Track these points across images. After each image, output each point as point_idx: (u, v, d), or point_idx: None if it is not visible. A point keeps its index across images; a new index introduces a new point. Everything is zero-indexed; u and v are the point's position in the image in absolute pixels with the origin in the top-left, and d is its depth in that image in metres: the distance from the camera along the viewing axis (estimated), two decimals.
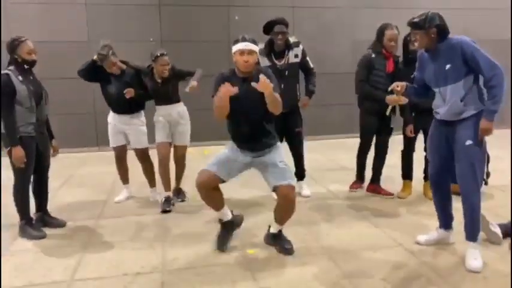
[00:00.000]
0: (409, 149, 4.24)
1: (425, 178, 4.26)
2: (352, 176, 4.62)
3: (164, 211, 3.97)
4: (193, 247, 3.20)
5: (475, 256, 2.86)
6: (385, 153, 4.41)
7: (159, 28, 7.08)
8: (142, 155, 4.26)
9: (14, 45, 3.28)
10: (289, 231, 3.24)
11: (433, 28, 2.78)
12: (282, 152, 3.11)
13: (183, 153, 4.28)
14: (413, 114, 4.09)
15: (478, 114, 2.77)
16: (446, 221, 3.19)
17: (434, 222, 3.59)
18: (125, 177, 4.44)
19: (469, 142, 2.78)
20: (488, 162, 4.37)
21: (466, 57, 2.72)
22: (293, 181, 3.02)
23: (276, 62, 4.14)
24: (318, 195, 4.45)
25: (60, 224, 3.66)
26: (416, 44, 2.95)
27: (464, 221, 2.93)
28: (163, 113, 4.17)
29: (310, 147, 6.41)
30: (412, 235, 3.36)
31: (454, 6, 7.71)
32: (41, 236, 3.41)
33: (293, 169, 4.41)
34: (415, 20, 2.84)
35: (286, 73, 4.14)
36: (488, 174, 4.39)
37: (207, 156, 6.23)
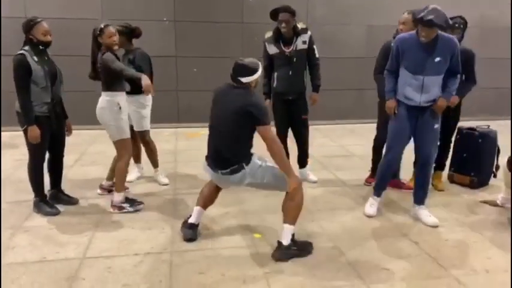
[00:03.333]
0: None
1: (436, 168, 4.24)
2: (362, 164, 4.63)
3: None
4: (201, 229, 3.28)
5: (428, 214, 3.49)
6: None
7: (172, 8, 7.04)
8: (142, 138, 4.26)
9: (30, 26, 3.31)
10: None
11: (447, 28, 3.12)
12: (248, 173, 2.85)
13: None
14: None
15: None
16: (382, 191, 3.69)
17: (442, 211, 3.66)
18: (137, 157, 4.46)
19: (436, 126, 3.38)
20: (498, 154, 4.38)
21: (454, 56, 3.21)
22: (285, 187, 2.88)
23: (284, 49, 4.15)
24: (324, 182, 4.49)
25: (73, 202, 3.77)
26: (424, 39, 3.17)
27: (420, 189, 3.54)
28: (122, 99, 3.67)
29: (320, 132, 6.46)
30: (417, 226, 3.40)
31: None
32: (54, 213, 3.52)
33: (295, 157, 4.44)
34: (436, 21, 3.01)
35: (294, 60, 4.14)
36: (497, 167, 4.39)
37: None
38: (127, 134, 3.62)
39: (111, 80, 3.49)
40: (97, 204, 3.80)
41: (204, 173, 3.15)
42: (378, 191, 3.68)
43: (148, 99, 4.20)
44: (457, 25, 3.83)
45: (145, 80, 3.29)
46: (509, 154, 3.59)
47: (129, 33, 4.04)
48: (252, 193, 3.87)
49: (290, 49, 4.15)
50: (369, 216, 3.59)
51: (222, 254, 2.94)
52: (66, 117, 3.68)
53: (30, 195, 3.61)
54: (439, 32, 3.17)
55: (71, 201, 3.76)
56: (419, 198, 3.55)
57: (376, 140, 4.33)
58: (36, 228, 3.29)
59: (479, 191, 4.23)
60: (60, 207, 3.62)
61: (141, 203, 3.73)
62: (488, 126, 4.41)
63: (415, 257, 2.93)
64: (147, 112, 4.23)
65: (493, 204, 3.82)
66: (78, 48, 6.57)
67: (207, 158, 3.00)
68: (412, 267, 2.80)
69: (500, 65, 8.11)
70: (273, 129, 3.01)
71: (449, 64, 3.24)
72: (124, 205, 3.63)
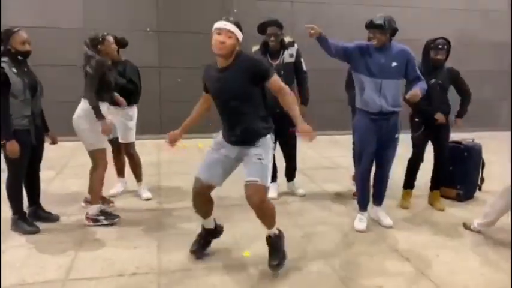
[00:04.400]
0: (417, 158, 4.12)
1: (433, 187, 4.25)
2: (349, 175, 4.61)
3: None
4: (188, 248, 3.17)
5: (385, 215, 3.71)
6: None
7: (155, 18, 6.96)
8: (126, 150, 4.24)
9: (7, 36, 3.19)
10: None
11: (390, 30, 3.35)
12: (268, 145, 2.75)
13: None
14: (423, 127, 4.04)
15: (399, 113, 3.51)
16: (367, 201, 3.72)
17: (432, 227, 3.64)
18: (120, 170, 4.37)
19: (397, 135, 3.54)
20: (483, 167, 4.43)
21: (409, 63, 3.41)
22: (262, 180, 2.64)
23: (271, 62, 4.12)
24: (312, 195, 4.44)
25: (54, 219, 3.61)
26: (374, 41, 3.41)
27: (379, 192, 3.73)
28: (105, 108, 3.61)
29: (303, 144, 6.39)
30: (408, 241, 3.38)
31: (447, 6, 7.75)
32: (34, 231, 3.36)
33: (282, 169, 4.41)
34: (378, 22, 3.34)
35: (282, 73, 4.09)
36: (482, 180, 4.44)
37: (201, 150, 6.22)
38: (103, 144, 3.57)
39: (100, 88, 3.43)
40: (79, 220, 3.64)
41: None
42: (362, 206, 3.69)
43: (135, 112, 4.18)
44: (440, 46, 3.88)
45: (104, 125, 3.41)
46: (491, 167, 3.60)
47: (117, 43, 3.98)
48: (240, 208, 3.80)
49: (277, 62, 4.13)
50: (360, 232, 3.56)
51: (210, 274, 2.84)
52: (47, 130, 3.55)
53: (7, 213, 3.43)
54: (393, 42, 3.44)
55: (51, 218, 3.61)
56: (379, 200, 3.77)
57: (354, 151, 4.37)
58: (15, 249, 3.12)
59: (465, 204, 4.26)
60: (40, 225, 3.46)
61: (116, 216, 3.63)
62: (473, 139, 4.46)
63: (408, 274, 2.89)
64: (133, 124, 4.21)
65: (469, 228, 3.60)
66: (59, 57, 6.46)
67: (228, 136, 2.77)
68: (405, 284, 2.76)
69: (479, 77, 8.29)
70: None
71: (406, 71, 3.43)
72: (99, 218, 3.55)
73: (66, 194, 4.30)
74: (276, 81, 2.68)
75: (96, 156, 3.54)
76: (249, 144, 2.72)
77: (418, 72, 3.47)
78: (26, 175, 3.44)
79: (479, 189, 4.45)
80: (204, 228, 3.06)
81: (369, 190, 3.70)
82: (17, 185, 3.33)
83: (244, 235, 3.42)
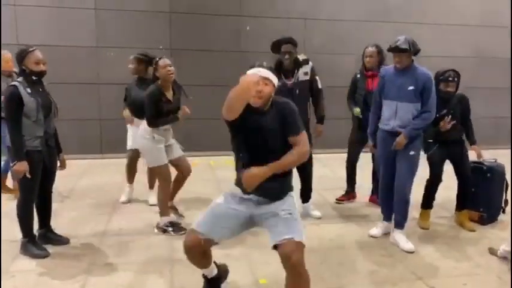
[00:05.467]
0: (435, 177, 4.01)
1: (460, 207, 4.14)
2: (364, 197, 4.50)
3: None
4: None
5: (406, 240, 3.56)
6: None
7: (168, 36, 6.95)
8: None
9: (22, 56, 3.15)
10: None
11: (414, 52, 3.41)
12: (294, 202, 2.45)
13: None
14: (436, 145, 3.98)
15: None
16: (390, 214, 3.73)
17: (456, 253, 3.48)
18: (131, 178, 4.62)
19: (412, 153, 3.50)
20: (507, 189, 4.26)
21: (425, 90, 3.40)
22: (300, 236, 2.25)
23: (286, 80, 4.06)
24: (329, 218, 4.30)
25: (64, 242, 3.52)
26: (398, 65, 3.46)
27: (396, 213, 3.62)
28: (164, 131, 3.78)
29: (319, 162, 6.27)
30: (431, 267, 3.22)
31: (459, 22, 7.67)
32: (44, 255, 3.26)
33: (298, 190, 4.29)
34: (403, 46, 3.37)
35: (297, 91, 4.06)
36: (506, 202, 4.27)
37: (213, 167, 6.13)
38: (165, 160, 3.73)
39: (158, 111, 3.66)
40: (90, 244, 3.55)
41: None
42: (383, 215, 3.84)
43: None
44: (450, 78, 3.84)
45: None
46: None
47: (148, 61, 4.15)
48: (250, 232, 3.67)
49: (292, 81, 4.06)
50: (373, 237, 3.75)
51: None
52: (60, 151, 3.48)
53: (17, 235, 3.35)
54: (417, 65, 3.47)
55: (62, 241, 3.52)
56: (396, 222, 3.65)
57: (347, 156, 4.71)
58: (24, 273, 3.02)
59: (489, 228, 4.08)
60: (50, 248, 3.37)
61: (184, 229, 3.69)
62: (495, 159, 4.30)
63: None
64: None
65: (495, 254, 3.44)
66: (72, 75, 6.47)
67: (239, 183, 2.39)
68: None
69: (496, 94, 8.14)
70: None
71: (421, 97, 3.43)
72: (168, 228, 3.77)
73: (75, 216, 4.20)
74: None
75: (158, 172, 3.76)
76: (279, 198, 2.39)
77: (430, 105, 3.44)
78: (39, 197, 3.36)
79: (503, 211, 4.27)
80: (206, 279, 2.66)
81: (388, 200, 3.73)
82: (28, 207, 3.25)
83: (258, 260, 3.29)
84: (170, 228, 3.75)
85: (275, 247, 2.26)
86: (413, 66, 3.46)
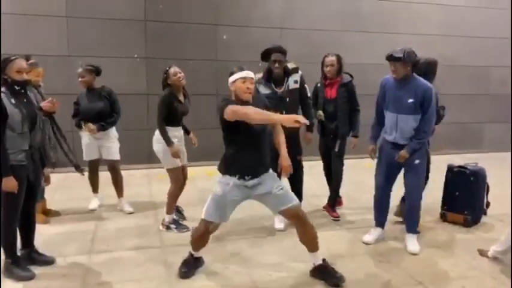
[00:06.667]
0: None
1: None
2: (351, 203, 4.51)
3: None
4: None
5: (415, 243, 3.65)
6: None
7: (144, 44, 6.80)
8: (114, 167, 4.58)
9: (3, 65, 2.96)
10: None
11: (410, 62, 3.41)
12: (275, 176, 3.07)
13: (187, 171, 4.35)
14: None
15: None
16: (383, 221, 3.88)
17: (452, 257, 3.53)
18: (95, 188, 4.75)
19: (417, 161, 3.57)
20: (487, 192, 4.42)
21: (425, 100, 3.41)
22: (295, 201, 2.99)
23: (276, 89, 4.07)
24: (319, 225, 4.27)
25: (49, 261, 3.31)
26: (394, 74, 3.49)
27: (406, 219, 3.78)
28: (177, 134, 4.08)
29: (309, 170, 6.29)
30: (430, 272, 3.26)
31: (431, 32, 7.96)
32: (29, 277, 3.05)
33: None
34: (397, 55, 3.39)
35: (287, 99, 4.07)
36: (488, 204, 4.42)
37: (194, 179, 6.01)
38: (176, 163, 3.96)
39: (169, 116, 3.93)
40: (78, 263, 3.36)
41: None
42: (376, 222, 3.90)
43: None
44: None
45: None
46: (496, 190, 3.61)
47: (96, 71, 4.40)
48: (251, 242, 3.61)
49: (282, 89, 4.06)
50: (366, 243, 3.78)
51: None
52: (44, 165, 3.28)
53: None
54: (417, 76, 3.49)
55: (47, 260, 3.31)
56: (407, 227, 3.77)
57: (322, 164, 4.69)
58: None
59: (474, 229, 4.20)
60: (35, 269, 3.15)
61: (186, 227, 4.02)
62: (477, 163, 4.46)
63: None
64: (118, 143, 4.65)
65: (485, 255, 3.53)
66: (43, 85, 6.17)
67: (241, 170, 2.91)
68: None
69: (462, 100, 8.49)
70: None
71: (421, 109, 3.46)
72: (171, 225, 4.03)
73: (58, 234, 3.98)
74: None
75: (169, 174, 4.01)
76: (263, 176, 2.97)
77: (429, 115, 3.45)
78: (22, 215, 3.13)
79: (485, 213, 4.42)
80: (192, 256, 3.19)
81: (381, 207, 3.84)
82: (11, 226, 3.04)
83: (258, 268, 3.22)
84: (173, 226, 4.03)
85: (281, 214, 3.07)
86: (413, 78, 3.48)
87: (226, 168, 2.94)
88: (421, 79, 3.50)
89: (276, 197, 2.94)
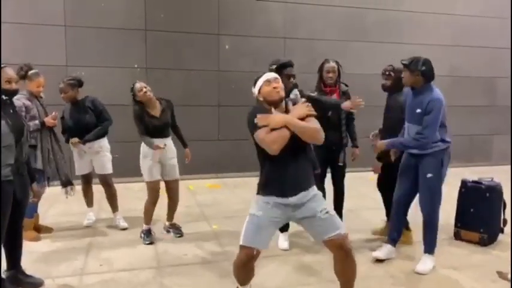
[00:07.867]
0: None
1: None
2: (352, 217, 4.26)
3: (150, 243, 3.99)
4: None
5: (426, 263, 3.46)
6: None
7: (144, 54, 6.63)
8: (105, 181, 4.43)
9: None
10: None
11: (417, 71, 3.32)
12: (322, 197, 2.70)
13: (177, 186, 4.26)
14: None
15: (435, 153, 3.39)
16: (395, 238, 3.69)
17: (471, 281, 3.29)
18: (90, 202, 4.59)
19: (429, 175, 3.41)
20: (505, 208, 4.17)
21: (427, 110, 3.30)
22: (342, 229, 2.58)
23: None
24: (360, 238, 4.01)
25: (37, 284, 3.08)
26: (403, 80, 3.47)
27: (423, 237, 3.53)
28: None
29: None
30: None
31: (436, 42, 7.79)
32: None
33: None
34: (403, 62, 3.39)
35: None
36: (505, 222, 4.17)
37: (193, 192, 5.79)
38: (153, 178, 3.98)
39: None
40: (67, 285, 3.13)
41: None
42: (388, 239, 3.71)
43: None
44: (387, 73, 3.85)
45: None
46: None
47: (78, 84, 4.28)
48: (270, 267, 3.37)
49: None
50: (378, 258, 3.58)
51: None
52: (32, 180, 3.07)
53: None
54: (434, 87, 3.37)
55: (34, 283, 3.07)
56: (426, 247, 3.56)
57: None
58: None
59: (490, 249, 3.95)
60: None
61: (151, 242, 3.97)
62: (492, 178, 4.22)
63: None
64: (110, 155, 4.48)
65: (506, 278, 3.31)
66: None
67: (280, 186, 2.56)
68: None
69: (470, 112, 8.28)
70: None
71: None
72: (142, 235, 4.05)
73: (47, 252, 3.75)
74: None
75: (147, 187, 4.04)
76: (306, 193, 2.60)
77: (426, 125, 3.29)
78: (7, 233, 2.90)
79: (502, 231, 4.17)
80: None
81: (397, 222, 3.67)
82: None
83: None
84: (143, 235, 4.04)
85: (325, 244, 2.59)
86: (427, 89, 3.36)
87: (263, 187, 2.62)
88: (437, 91, 3.37)
89: (320, 222, 2.57)
